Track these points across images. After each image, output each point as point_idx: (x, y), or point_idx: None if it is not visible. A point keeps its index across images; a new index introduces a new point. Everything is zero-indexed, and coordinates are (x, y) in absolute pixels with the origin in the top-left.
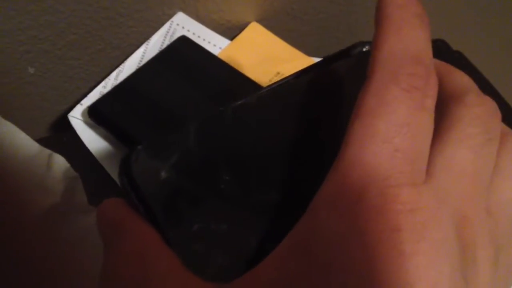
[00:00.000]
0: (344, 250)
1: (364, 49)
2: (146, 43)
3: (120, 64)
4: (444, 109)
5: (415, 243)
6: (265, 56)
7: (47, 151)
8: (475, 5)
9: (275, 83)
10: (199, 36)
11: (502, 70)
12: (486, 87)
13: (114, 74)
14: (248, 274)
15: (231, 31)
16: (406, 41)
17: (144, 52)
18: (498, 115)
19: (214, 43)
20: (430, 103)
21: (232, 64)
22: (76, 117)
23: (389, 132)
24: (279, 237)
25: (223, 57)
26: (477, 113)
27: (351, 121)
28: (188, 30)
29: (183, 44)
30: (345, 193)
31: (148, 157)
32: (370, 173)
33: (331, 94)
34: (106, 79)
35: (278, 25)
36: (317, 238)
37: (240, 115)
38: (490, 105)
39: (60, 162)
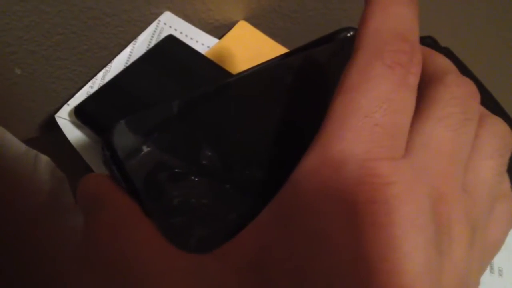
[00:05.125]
0: (322, 218)
1: (349, 35)
2: (133, 42)
3: (107, 64)
4: (424, 89)
5: (389, 214)
6: (253, 55)
7: (33, 152)
8: (464, 2)
9: (259, 64)
10: (186, 35)
11: (490, 66)
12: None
13: (101, 74)
14: (228, 244)
15: (219, 30)
16: (392, 18)
17: (131, 52)
18: (477, 96)
19: (202, 42)
20: (413, 80)
21: (220, 63)
22: (63, 118)
23: (370, 107)
24: (260, 211)
25: (211, 56)
26: (456, 94)
27: (334, 96)
28: (176, 29)
29: (170, 43)
30: (325, 165)
31: (130, 130)
32: (350, 147)
33: (314, 76)
34: (93, 79)
35: (266, 23)
36: (297, 207)
37: (224, 93)
38: (469, 86)
39: (46, 162)
